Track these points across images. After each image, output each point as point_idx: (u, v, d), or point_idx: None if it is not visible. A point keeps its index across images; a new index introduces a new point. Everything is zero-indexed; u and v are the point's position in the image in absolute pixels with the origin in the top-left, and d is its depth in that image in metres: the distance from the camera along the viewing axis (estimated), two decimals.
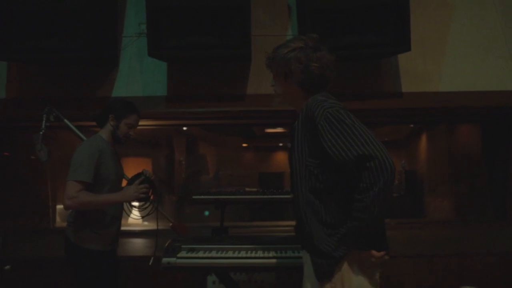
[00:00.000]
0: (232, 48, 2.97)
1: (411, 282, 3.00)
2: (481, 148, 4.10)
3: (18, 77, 3.39)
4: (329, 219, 1.59)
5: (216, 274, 2.48)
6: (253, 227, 3.78)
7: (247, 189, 2.91)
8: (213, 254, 2.23)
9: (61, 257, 2.88)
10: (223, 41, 2.94)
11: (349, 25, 2.93)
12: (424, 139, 4.96)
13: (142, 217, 2.53)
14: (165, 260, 2.18)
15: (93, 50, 3.01)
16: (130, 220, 2.66)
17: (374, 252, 1.57)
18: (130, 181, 2.39)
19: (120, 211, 2.43)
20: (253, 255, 2.22)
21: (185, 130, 4.94)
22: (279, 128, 4.95)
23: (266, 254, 2.22)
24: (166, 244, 2.30)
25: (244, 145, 5.42)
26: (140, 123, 2.50)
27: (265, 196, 2.48)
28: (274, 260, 2.18)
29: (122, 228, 2.49)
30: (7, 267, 2.52)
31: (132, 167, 2.60)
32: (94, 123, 2.49)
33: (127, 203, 2.47)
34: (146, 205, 2.43)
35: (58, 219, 3.93)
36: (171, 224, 2.73)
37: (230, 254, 2.23)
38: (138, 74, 3.36)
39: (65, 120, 2.74)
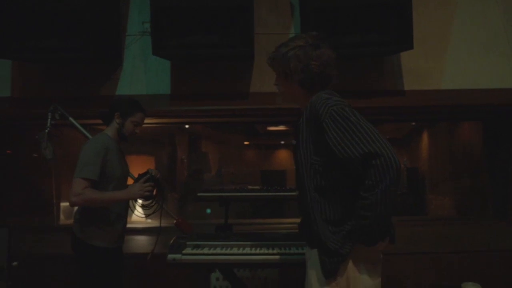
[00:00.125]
0: (235, 47, 2.98)
1: (413, 279, 3.01)
2: (482, 146, 4.11)
3: (22, 76, 3.41)
4: (334, 217, 1.60)
5: (220, 271, 2.50)
6: (255, 224, 3.80)
7: (249, 187, 2.93)
8: (218, 250, 2.25)
9: (65, 254, 2.92)
10: (226, 40, 2.95)
11: (351, 24, 2.94)
12: (425, 136, 4.96)
13: (148, 215, 2.54)
14: (170, 256, 2.20)
15: (96, 49, 3.03)
16: (134, 218, 2.68)
17: (379, 244, 1.58)
18: (137, 180, 2.41)
19: (126, 209, 2.45)
20: (257, 251, 2.24)
21: (187, 128, 4.95)
22: (281, 126, 4.95)
23: (270, 251, 2.24)
24: (171, 241, 2.32)
25: (246, 143, 5.42)
26: (144, 121, 2.52)
27: (270, 194, 2.49)
28: (278, 257, 2.20)
29: None
30: (15, 263, 2.54)
31: (135, 165, 2.62)
32: (98, 121, 2.51)
33: (133, 201, 2.49)
34: (152, 204, 2.46)
35: (62, 216, 3.95)
36: (175, 221, 2.75)
37: (235, 250, 2.25)
38: (142, 73, 3.38)
39: (70, 118, 2.75)
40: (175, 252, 2.21)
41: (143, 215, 2.57)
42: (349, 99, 1.71)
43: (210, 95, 3.32)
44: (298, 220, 1.86)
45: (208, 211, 4.34)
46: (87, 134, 2.70)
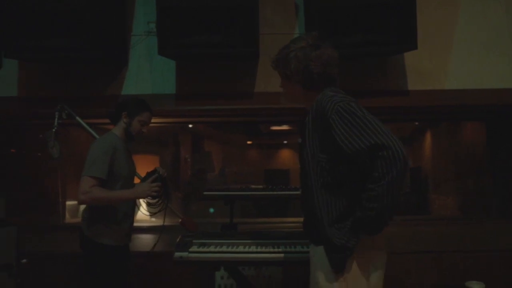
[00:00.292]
0: (240, 47, 2.99)
1: (415, 278, 3.02)
2: (485, 146, 4.11)
3: (28, 76, 3.43)
4: (340, 213, 1.61)
5: (226, 269, 2.52)
6: (259, 223, 3.82)
7: (253, 186, 2.95)
8: (224, 248, 2.27)
9: (71, 252, 2.95)
10: (231, 40, 2.97)
11: (356, 23, 2.94)
12: (428, 136, 4.98)
13: (154, 213, 2.57)
14: (177, 254, 2.21)
15: (102, 49, 3.05)
16: (138, 216, 2.71)
17: None
18: (144, 179, 2.43)
19: (133, 208, 2.47)
20: (263, 250, 2.26)
21: (190, 128, 4.97)
22: (285, 126, 4.97)
23: (276, 249, 2.26)
24: (178, 239, 2.34)
25: (249, 142, 5.44)
26: (151, 120, 2.54)
27: (275, 193, 2.51)
28: (284, 255, 2.22)
29: None
30: (24, 260, 2.57)
31: (140, 164, 2.64)
32: (104, 121, 2.54)
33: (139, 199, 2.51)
34: (158, 202, 2.48)
35: (67, 215, 3.97)
36: (180, 220, 2.78)
37: (240, 249, 2.27)
38: (147, 73, 3.39)
39: (77, 118, 2.77)
40: (182, 250, 2.23)
41: (149, 214, 2.59)
42: None
43: (215, 95, 3.34)
44: (301, 219, 1.87)
45: (211, 210, 4.36)
46: (94, 134, 2.72)
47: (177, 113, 3.42)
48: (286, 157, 5.48)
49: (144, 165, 2.84)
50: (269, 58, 1.86)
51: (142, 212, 2.55)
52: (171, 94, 3.37)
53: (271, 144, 5.46)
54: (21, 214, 3.65)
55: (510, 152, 3.72)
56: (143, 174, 2.57)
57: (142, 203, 2.61)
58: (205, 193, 2.52)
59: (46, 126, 2.77)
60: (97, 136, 2.64)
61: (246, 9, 2.93)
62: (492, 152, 3.98)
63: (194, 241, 2.32)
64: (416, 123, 4.97)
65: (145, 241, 3.42)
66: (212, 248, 2.27)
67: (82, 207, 3.24)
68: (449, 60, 3.39)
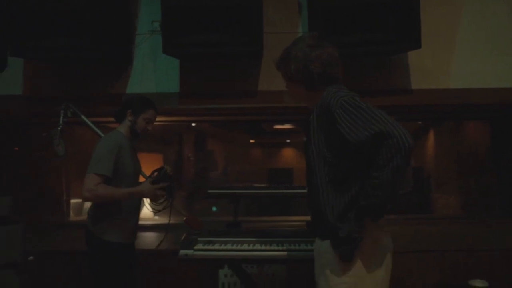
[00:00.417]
0: (244, 46, 3.00)
1: (417, 277, 3.03)
2: (489, 145, 4.11)
3: (33, 75, 3.44)
4: (344, 207, 1.63)
5: (230, 267, 2.53)
6: (263, 222, 3.83)
7: (256, 185, 2.96)
8: (229, 246, 2.30)
9: (76, 250, 2.97)
10: (235, 38, 2.97)
11: (359, 22, 2.94)
12: (431, 135, 4.97)
13: (158, 211, 2.57)
14: (182, 252, 2.24)
15: (107, 48, 3.06)
16: (142, 214, 2.72)
17: None
18: (150, 177, 2.44)
19: (139, 205, 2.48)
20: (267, 247, 2.28)
21: (193, 126, 4.98)
22: (287, 125, 4.98)
23: (280, 247, 2.28)
24: (183, 237, 2.36)
25: (252, 141, 5.45)
26: (156, 118, 2.55)
27: (280, 191, 2.53)
28: (288, 253, 2.24)
29: None
30: (31, 258, 2.59)
31: (143, 162, 2.65)
32: (108, 119, 2.55)
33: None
34: (162, 200, 2.50)
35: (72, 213, 3.99)
36: (185, 218, 2.79)
37: (245, 246, 2.29)
38: (152, 71, 3.41)
39: (82, 116, 2.78)
40: (187, 248, 2.25)
41: (153, 211, 2.60)
42: None
43: (219, 94, 3.35)
44: (304, 218, 1.88)
45: (214, 209, 4.37)
46: (99, 132, 2.74)
47: (181, 112, 3.43)
48: (289, 156, 5.49)
49: (148, 163, 2.85)
50: (273, 59, 1.88)
51: (148, 208, 2.56)
52: (175, 93, 3.39)
53: (274, 143, 5.46)
54: (25, 212, 3.67)
55: None
56: (147, 173, 2.59)
57: (146, 201, 2.62)
58: (210, 191, 2.54)
59: (51, 124, 2.78)
60: (102, 135, 2.65)
61: (250, 8, 2.94)
62: (496, 151, 3.98)
63: (199, 239, 2.34)
64: (419, 122, 4.97)
65: (149, 239, 3.43)
66: (217, 246, 2.29)
67: (87, 205, 3.26)
68: (453, 59, 3.40)
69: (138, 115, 2.43)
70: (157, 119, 2.58)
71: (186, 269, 3.01)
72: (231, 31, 2.97)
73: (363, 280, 1.62)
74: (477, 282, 2.78)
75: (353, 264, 1.61)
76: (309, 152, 1.73)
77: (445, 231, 3.61)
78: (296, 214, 3.93)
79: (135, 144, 2.54)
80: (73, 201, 3.97)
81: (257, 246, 2.29)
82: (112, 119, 2.58)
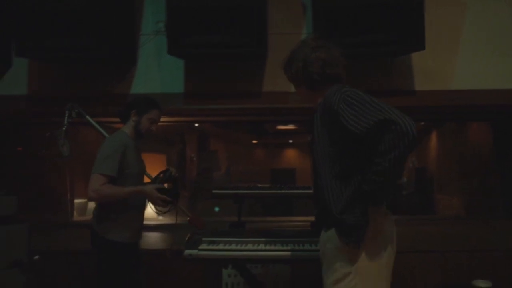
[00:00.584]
0: (249, 46, 3.01)
1: (420, 278, 3.04)
2: (492, 146, 4.11)
3: (38, 75, 3.45)
4: (349, 201, 1.65)
5: (234, 266, 2.54)
6: (266, 222, 3.84)
7: (259, 185, 2.97)
8: (233, 246, 2.30)
9: (79, 250, 2.98)
10: (239, 39, 2.98)
11: (363, 23, 2.94)
12: (434, 136, 4.98)
13: (162, 212, 2.57)
14: (187, 252, 2.24)
15: (111, 48, 3.06)
16: (146, 214, 2.73)
17: None
18: (155, 179, 2.45)
19: (143, 205, 2.49)
20: (271, 247, 2.29)
21: (197, 127, 5.00)
22: (290, 125, 4.99)
23: (284, 247, 2.28)
24: (187, 237, 2.37)
25: (255, 142, 5.46)
26: (160, 118, 2.56)
27: (284, 191, 2.53)
28: (292, 253, 2.24)
29: None
30: (36, 257, 2.60)
31: (146, 162, 2.66)
32: (113, 119, 2.55)
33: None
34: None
35: (75, 213, 4.00)
36: (188, 218, 2.80)
37: (249, 246, 2.30)
38: (156, 72, 3.41)
39: (87, 117, 2.80)
40: (192, 248, 2.26)
41: (158, 212, 2.61)
42: None
43: (223, 94, 3.35)
44: (307, 218, 1.89)
45: (217, 209, 4.38)
46: (104, 132, 2.75)
47: (186, 112, 3.43)
48: (292, 156, 5.51)
49: (151, 164, 2.86)
50: (280, 62, 1.91)
51: (152, 209, 2.56)
52: (179, 93, 3.39)
53: (277, 143, 5.48)
54: (29, 212, 3.68)
55: None
56: (151, 173, 2.60)
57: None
58: (214, 191, 2.54)
59: (55, 124, 2.79)
60: (106, 135, 2.67)
61: (254, 9, 2.94)
62: (499, 152, 3.97)
63: (203, 239, 2.35)
64: (422, 123, 4.98)
65: (152, 239, 3.44)
66: (221, 246, 2.30)
67: (91, 205, 3.27)
68: (455, 60, 3.39)
69: (142, 115, 2.44)
70: (162, 119, 2.58)
71: (190, 269, 3.02)
72: (236, 32, 2.97)
73: (367, 266, 1.63)
74: (480, 283, 2.78)
75: (356, 251, 1.63)
76: (314, 151, 1.76)
77: (447, 231, 3.60)
78: (299, 215, 3.94)
79: (139, 144, 2.55)
80: (77, 201, 3.98)
81: (262, 246, 2.30)
82: (116, 119, 2.59)
